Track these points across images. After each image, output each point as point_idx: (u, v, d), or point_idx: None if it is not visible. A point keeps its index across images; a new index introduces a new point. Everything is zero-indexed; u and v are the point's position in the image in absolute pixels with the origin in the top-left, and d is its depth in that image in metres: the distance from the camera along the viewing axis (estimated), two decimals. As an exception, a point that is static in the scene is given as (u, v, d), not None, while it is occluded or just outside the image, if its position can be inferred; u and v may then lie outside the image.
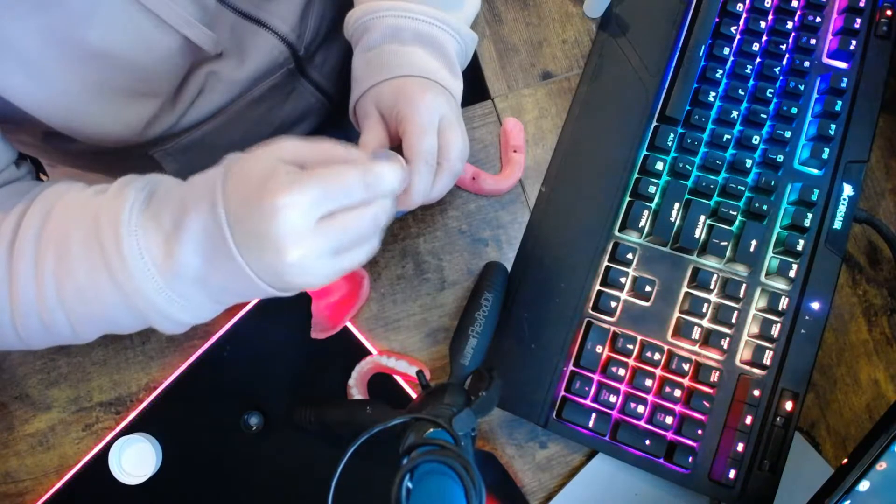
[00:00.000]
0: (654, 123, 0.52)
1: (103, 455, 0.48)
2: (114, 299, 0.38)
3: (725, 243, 0.49)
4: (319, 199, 0.34)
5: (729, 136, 0.51)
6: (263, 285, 0.36)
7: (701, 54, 0.52)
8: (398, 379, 0.51)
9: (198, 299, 0.38)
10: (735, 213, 0.50)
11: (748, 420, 0.47)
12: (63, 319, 0.39)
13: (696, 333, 0.48)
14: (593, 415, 0.48)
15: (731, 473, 0.47)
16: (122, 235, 0.36)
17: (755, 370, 0.48)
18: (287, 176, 0.34)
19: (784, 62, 0.53)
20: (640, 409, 0.47)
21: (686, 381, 0.48)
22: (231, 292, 0.39)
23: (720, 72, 0.52)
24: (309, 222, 0.34)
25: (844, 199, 0.50)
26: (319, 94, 0.63)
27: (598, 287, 0.50)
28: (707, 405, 0.47)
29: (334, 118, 0.71)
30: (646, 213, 0.50)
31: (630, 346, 0.48)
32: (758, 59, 0.53)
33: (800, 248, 0.49)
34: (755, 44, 0.53)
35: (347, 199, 0.35)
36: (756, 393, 0.48)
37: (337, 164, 0.35)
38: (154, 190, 0.39)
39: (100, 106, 0.45)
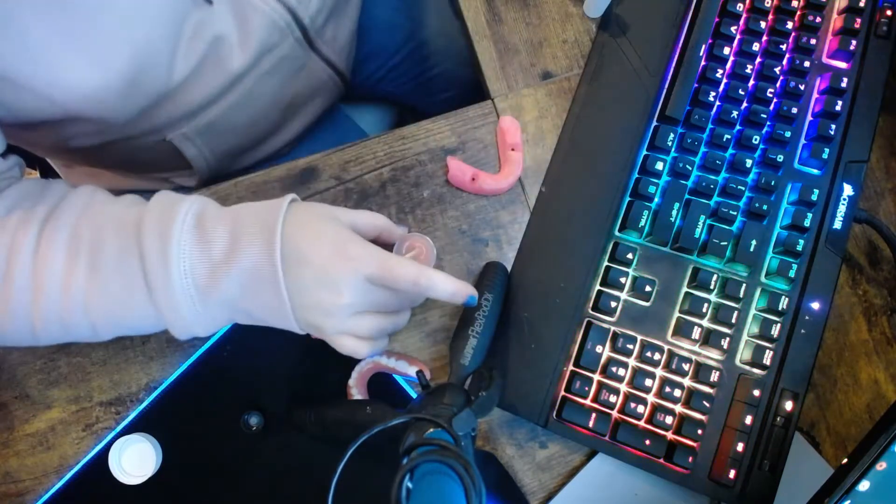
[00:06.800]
0: (654, 123, 0.52)
1: (103, 455, 0.48)
2: (144, 311, 0.40)
3: (725, 243, 0.49)
4: (380, 301, 0.42)
5: (729, 136, 0.51)
6: (293, 321, 0.41)
7: (701, 54, 0.52)
8: (398, 379, 0.51)
9: (220, 318, 0.42)
10: (735, 213, 0.50)
11: (748, 420, 0.47)
12: (85, 323, 0.41)
13: (696, 333, 0.48)
14: (593, 415, 0.48)
15: (731, 473, 0.47)
16: (171, 257, 0.38)
17: (755, 370, 0.48)
18: (358, 248, 0.40)
19: (784, 62, 0.53)
20: (640, 409, 0.47)
21: (686, 381, 0.48)
22: (254, 318, 0.42)
23: (720, 72, 0.52)
24: (365, 301, 0.41)
25: (844, 199, 0.50)
26: (331, 69, 0.64)
27: (598, 287, 0.50)
28: (707, 405, 0.47)
29: (346, 97, 0.72)
30: (646, 213, 0.50)
31: (630, 346, 0.48)
32: (758, 59, 0.53)
33: (800, 248, 0.49)
34: (755, 44, 0.53)
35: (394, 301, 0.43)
36: (756, 393, 0.48)
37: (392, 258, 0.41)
38: (201, 213, 0.41)
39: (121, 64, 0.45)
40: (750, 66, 0.52)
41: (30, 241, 0.39)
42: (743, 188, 0.50)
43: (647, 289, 0.49)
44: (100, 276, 0.39)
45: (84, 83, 0.42)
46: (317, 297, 0.40)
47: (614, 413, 0.48)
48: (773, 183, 0.50)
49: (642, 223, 0.50)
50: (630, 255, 0.50)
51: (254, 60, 0.53)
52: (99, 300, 0.40)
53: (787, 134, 0.51)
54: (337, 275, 0.39)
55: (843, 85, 0.52)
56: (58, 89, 0.42)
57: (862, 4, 0.53)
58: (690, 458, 0.47)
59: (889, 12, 0.54)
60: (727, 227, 0.50)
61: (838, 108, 0.51)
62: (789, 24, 0.53)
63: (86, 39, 0.41)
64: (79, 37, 0.41)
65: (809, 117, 0.52)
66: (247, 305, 0.41)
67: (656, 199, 0.51)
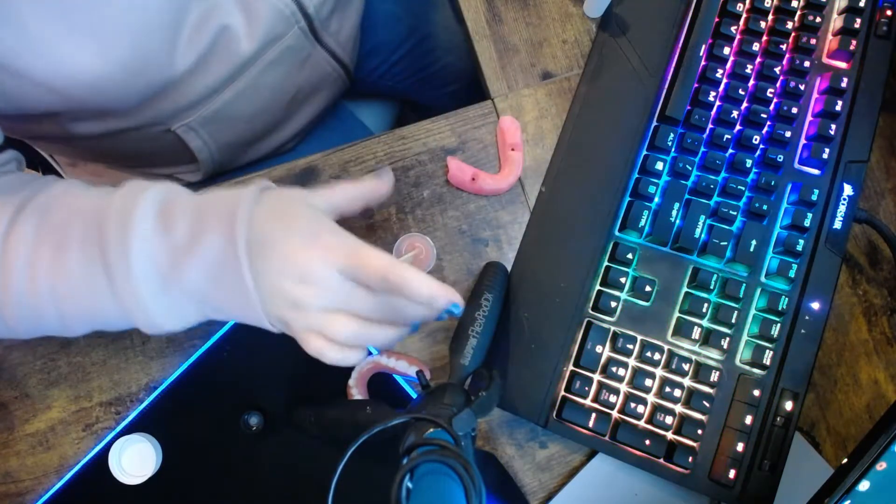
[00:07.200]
0: (654, 123, 0.52)
1: (103, 455, 0.48)
2: (107, 300, 0.38)
3: (725, 243, 0.49)
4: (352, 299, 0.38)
5: (729, 136, 0.51)
6: (261, 315, 0.38)
7: (701, 54, 0.52)
8: (398, 379, 0.51)
9: (189, 311, 0.40)
10: (735, 213, 0.50)
11: (748, 420, 0.47)
12: (53, 312, 0.39)
13: (696, 333, 0.48)
14: (593, 415, 0.48)
15: (731, 473, 0.47)
16: (131, 242, 0.37)
17: (755, 370, 0.48)
18: (332, 237, 0.38)
19: (784, 62, 0.53)
20: (640, 409, 0.47)
21: (686, 381, 0.48)
22: (224, 313, 0.40)
23: (720, 72, 0.52)
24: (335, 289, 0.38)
25: (844, 199, 0.50)
26: (335, 62, 0.64)
27: (598, 287, 0.50)
28: (707, 405, 0.47)
29: (349, 92, 0.72)
30: (646, 213, 0.50)
31: (630, 346, 0.48)
32: (758, 59, 0.53)
33: (800, 248, 0.49)
34: (755, 44, 0.53)
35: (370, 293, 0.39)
36: (756, 393, 0.48)
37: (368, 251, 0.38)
38: (167, 199, 0.39)
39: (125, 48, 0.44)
40: (750, 66, 0.52)
41: (2, 226, 0.38)
42: (743, 188, 0.50)
43: (647, 289, 0.49)
44: (64, 263, 0.38)
45: (84, 71, 0.42)
46: (284, 287, 0.37)
47: (614, 413, 0.48)
48: (773, 183, 0.50)
49: (642, 223, 0.50)
50: (630, 255, 0.50)
51: (259, 50, 0.53)
52: (64, 288, 0.38)
53: (787, 134, 0.51)
54: (306, 264, 0.37)
55: (843, 85, 0.52)
56: (58, 78, 0.42)
57: (862, 4, 0.53)
58: (690, 458, 0.47)
59: (889, 12, 0.54)
60: (727, 227, 0.50)
61: (838, 108, 0.51)
62: (789, 24, 0.53)
63: (85, 27, 0.41)
64: (78, 25, 0.40)
65: (809, 117, 0.52)
66: (214, 298, 0.39)
67: (656, 199, 0.51)
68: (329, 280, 0.37)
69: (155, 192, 0.39)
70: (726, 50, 0.52)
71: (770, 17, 0.54)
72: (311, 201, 0.40)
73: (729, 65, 0.53)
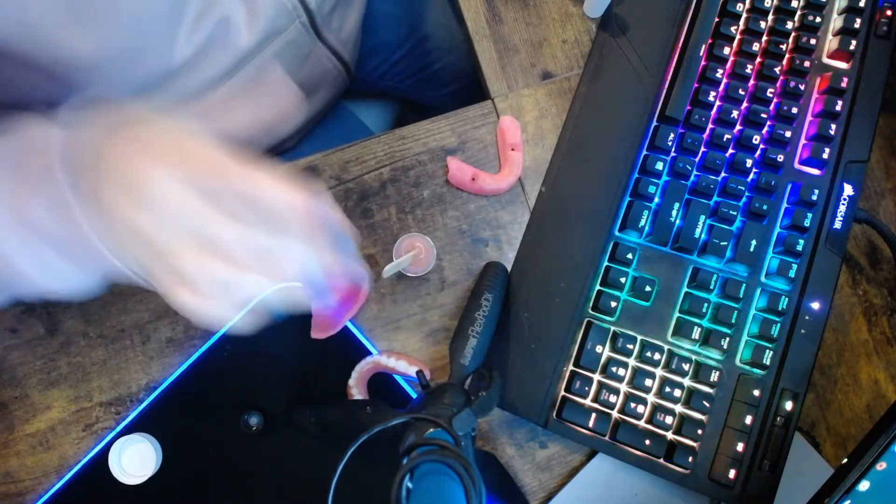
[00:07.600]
0: (654, 123, 0.52)
1: (103, 455, 0.48)
2: None
3: (725, 243, 0.49)
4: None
5: (729, 136, 0.51)
6: (110, 255, 0.32)
7: (701, 54, 0.52)
8: (398, 379, 0.51)
9: (48, 255, 0.34)
10: (735, 213, 0.50)
11: (748, 420, 0.47)
12: None
13: (696, 333, 0.48)
14: (593, 415, 0.48)
15: (731, 473, 0.47)
16: None
17: (755, 370, 0.48)
18: (189, 147, 0.31)
19: (784, 62, 0.53)
20: (640, 408, 0.47)
21: (686, 381, 0.48)
22: (86, 262, 0.34)
23: (720, 72, 0.52)
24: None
25: (844, 199, 0.50)
26: (336, 59, 0.64)
27: (598, 287, 0.50)
28: (707, 405, 0.47)
29: (349, 92, 0.72)
30: (646, 213, 0.50)
31: (630, 346, 0.48)
32: (758, 59, 0.53)
33: (800, 248, 0.49)
34: (755, 44, 0.53)
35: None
36: (756, 393, 0.48)
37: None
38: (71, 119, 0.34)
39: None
40: (750, 66, 0.52)
41: None
42: (743, 188, 0.50)
43: (647, 289, 0.49)
44: None
45: (83, 58, 0.42)
46: (119, 208, 0.29)
47: (614, 413, 0.48)
48: (773, 183, 0.50)
49: (642, 223, 0.50)
50: (630, 255, 0.50)
51: (260, 43, 0.53)
52: None
53: (787, 134, 0.51)
54: (136, 172, 0.29)
55: (843, 85, 0.52)
56: (57, 65, 0.41)
57: (862, 4, 0.53)
58: (690, 458, 0.47)
59: (889, 12, 0.54)
60: (727, 227, 0.50)
61: (838, 108, 0.51)
62: (789, 24, 0.53)
63: (86, 14, 0.40)
64: (79, 11, 0.40)
65: (809, 117, 0.52)
66: (64, 241, 0.33)
67: (656, 199, 0.51)
68: (172, 195, 0.29)
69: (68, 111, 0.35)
70: (726, 50, 0.52)
71: (770, 17, 0.54)
72: (187, 125, 0.33)
73: (729, 65, 0.53)
